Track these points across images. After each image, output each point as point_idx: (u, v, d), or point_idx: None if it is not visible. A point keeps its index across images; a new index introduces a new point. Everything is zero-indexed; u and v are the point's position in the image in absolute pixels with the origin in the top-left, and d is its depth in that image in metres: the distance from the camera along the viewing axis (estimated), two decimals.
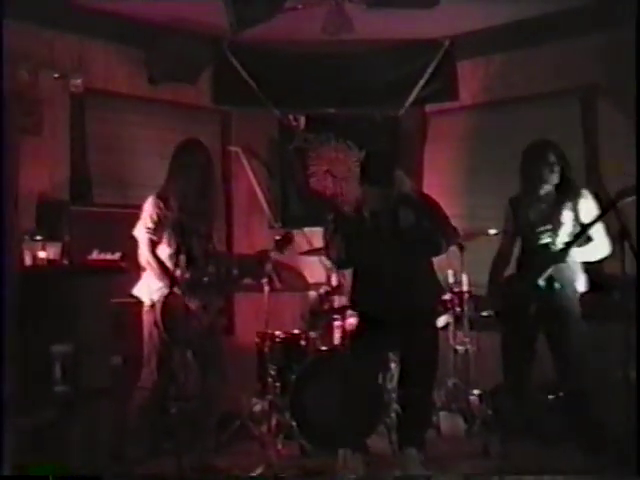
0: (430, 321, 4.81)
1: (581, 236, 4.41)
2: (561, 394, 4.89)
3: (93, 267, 4.97)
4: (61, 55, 5.58)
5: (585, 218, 4.49)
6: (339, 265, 4.98)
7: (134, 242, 4.59)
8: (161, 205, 4.53)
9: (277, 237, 4.96)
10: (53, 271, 4.86)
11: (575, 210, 4.57)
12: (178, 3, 5.53)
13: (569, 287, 4.61)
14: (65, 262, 4.94)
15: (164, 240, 4.55)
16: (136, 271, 4.71)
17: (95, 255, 4.98)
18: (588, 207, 4.55)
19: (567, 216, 4.56)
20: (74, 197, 5.54)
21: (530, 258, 4.69)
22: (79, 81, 5.51)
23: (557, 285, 4.55)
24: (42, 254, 4.86)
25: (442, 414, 5.51)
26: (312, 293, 5.87)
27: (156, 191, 4.59)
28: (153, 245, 4.53)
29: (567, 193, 4.61)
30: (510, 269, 4.90)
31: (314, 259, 5.71)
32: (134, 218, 4.63)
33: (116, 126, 5.98)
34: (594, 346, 4.62)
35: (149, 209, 4.55)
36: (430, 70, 6.56)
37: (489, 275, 4.92)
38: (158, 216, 4.52)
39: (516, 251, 4.89)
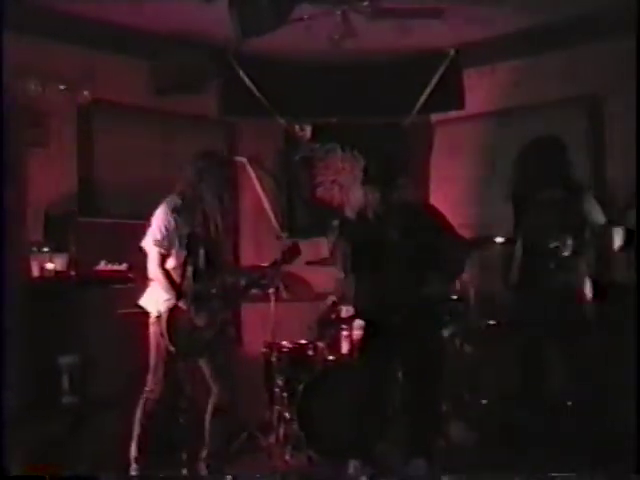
0: (436, 330, 4.79)
1: (592, 243, 4.39)
2: (570, 403, 4.86)
3: (100, 278, 4.99)
4: (67, 67, 5.59)
5: (593, 221, 4.45)
6: (345, 271, 4.97)
7: (141, 253, 4.58)
8: (170, 217, 4.51)
9: (284, 249, 4.94)
10: (60, 282, 4.88)
11: (582, 213, 4.51)
12: (184, 14, 5.55)
13: (577, 294, 4.58)
14: (72, 273, 4.96)
15: (172, 252, 4.53)
16: (143, 282, 4.72)
17: (102, 266, 5.00)
18: (595, 210, 4.50)
19: (574, 220, 4.51)
20: (81, 208, 5.56)
21: (536, 264, 4.64)
22: (86, 93, 5.54)
23: (566, 292, 4.51)
24: (49, 265, 4.89)
25: (451, 424, 5.48)
26: (319, 303, 5.86)
27: (165, 202, 4.56)
28: (162, 257, 4.51)
29: (573, 194, 4.55)
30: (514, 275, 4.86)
31: (321, 269, 5.70)
32: (141, 229, 4.62)
33: (123, 137, 5.99)
34: (602, 354, 4.61)
35: (158, 221, 4.51)
36: (436, 79, 6.58)
37: (502, 281, 4.88)
38: (167, 228, 4.49)
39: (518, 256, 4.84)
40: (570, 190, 4.56)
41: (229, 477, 4.34)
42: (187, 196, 4.56)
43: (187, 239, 4.48)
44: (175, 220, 4.50)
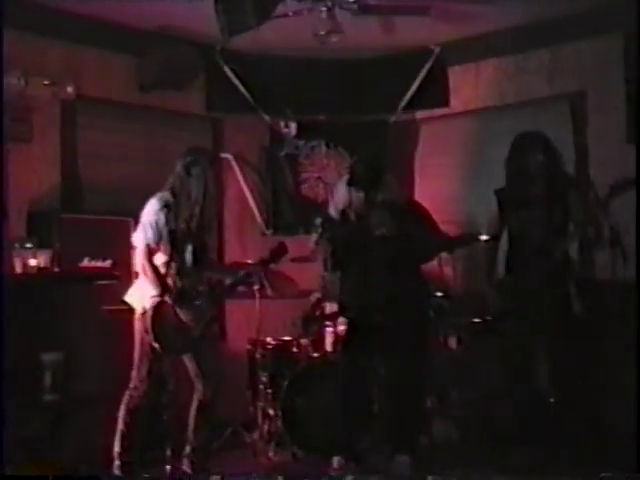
0: (420, 326, 4.80)
1: (577, 240, 4.40)
2: (552, 399, 4.87)
3: (84, 275, 4.95)
4: (52, 62, 5.55)
5: (578, 218, 4.46)
6: (328, 269, 4.97)
7: (125, 249, 4.57)
8: (160, 212, 4.49)
9: (271, 248, 4.92)
10: (43, 279, 4.84)
11: (567, 210, 4.52)
12: (169, 10, 5.53)
13: (563, 291, 4.58)
14: (56, 270, 4.93)
15: (161, 247, 4.52)
16: (127, 278, 4.69)
17: (86, 262, 4.97)
18: (580, 207, 4.50)
19: (559, 216, 4.52)
20: (65, 204, 5.52)
21: (521, 261, 4.63)
22: (70, 88, 5.50)
23: (551, 289, 4.51)
24: (33, 262, 4.84)
25: (435, 420, 5.49)
26: (304, 300, 5.86)
27: (155, 198, 4.55)
28: (150, 252, 4.50)
29: (558, 191, 4.56)
30: (500, 270, 4.86)
31: (305, 266, 5.71)
32: (125, 226, 4.60)
33: (107, 133, 5.95)
34: (587, 352, 4.62)
35: (149, 216, 4.50)
36: (421, 77, 6.57)
37: (487, 278, 4.88)
38: (157, 223, 4.48)
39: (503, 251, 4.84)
40: (555, 187, 4.57)
41: (216, 477, 4.33)
42: (176, 192, 4.56)
43: (174, 235, 4.49)
44: (165, 216, 4.49)
